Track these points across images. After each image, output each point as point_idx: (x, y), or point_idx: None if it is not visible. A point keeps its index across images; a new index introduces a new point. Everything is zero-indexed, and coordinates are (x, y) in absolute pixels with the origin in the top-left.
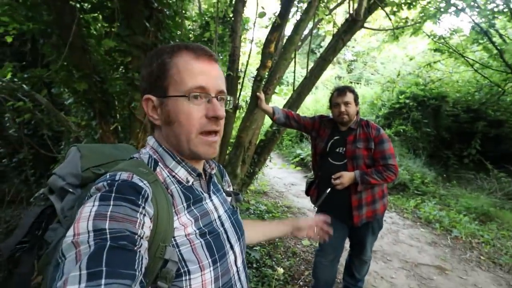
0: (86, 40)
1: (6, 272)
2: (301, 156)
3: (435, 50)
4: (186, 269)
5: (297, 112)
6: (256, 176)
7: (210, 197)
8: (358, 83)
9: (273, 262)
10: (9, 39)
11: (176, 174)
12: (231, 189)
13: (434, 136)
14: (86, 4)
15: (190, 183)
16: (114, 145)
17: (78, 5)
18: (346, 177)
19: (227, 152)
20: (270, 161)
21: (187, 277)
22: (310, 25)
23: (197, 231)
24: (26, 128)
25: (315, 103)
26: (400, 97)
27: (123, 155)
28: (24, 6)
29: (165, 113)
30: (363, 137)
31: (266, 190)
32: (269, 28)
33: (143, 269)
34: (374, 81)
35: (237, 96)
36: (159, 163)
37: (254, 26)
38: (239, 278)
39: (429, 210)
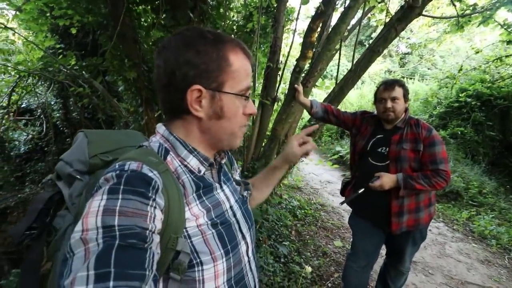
0: (137, 31)
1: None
2: (340, 154)
3: (508, 42)
4: (198, 260)
5: (338, 107)
6: (291, 170)
7: (221, 187)
8: (411, 78)
9: (302, 260)
10: (73, 31)
11: (188, 163)
12: (239, 174)
13: (499, 141)
14: None
15: (202, 173)
16: (123, 131)
17: None
18: (386, 178)
19: (262, 144)
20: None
21: (200, 268)
22: (360, 13)
23: (209, 222)
24: (86, 111)
25: (360, 99)
26: (460, 95)
27: (132, 142)
28: (85, 0)
29: (217, 107)
30: (411, 137)
31: (300, 185)
32: None
33: (154, 267)
34: (431, 77)
35: (276, 88)
36: (170, 152)
37: (298, 15)
38: (250, 268)
39: (484, 224)
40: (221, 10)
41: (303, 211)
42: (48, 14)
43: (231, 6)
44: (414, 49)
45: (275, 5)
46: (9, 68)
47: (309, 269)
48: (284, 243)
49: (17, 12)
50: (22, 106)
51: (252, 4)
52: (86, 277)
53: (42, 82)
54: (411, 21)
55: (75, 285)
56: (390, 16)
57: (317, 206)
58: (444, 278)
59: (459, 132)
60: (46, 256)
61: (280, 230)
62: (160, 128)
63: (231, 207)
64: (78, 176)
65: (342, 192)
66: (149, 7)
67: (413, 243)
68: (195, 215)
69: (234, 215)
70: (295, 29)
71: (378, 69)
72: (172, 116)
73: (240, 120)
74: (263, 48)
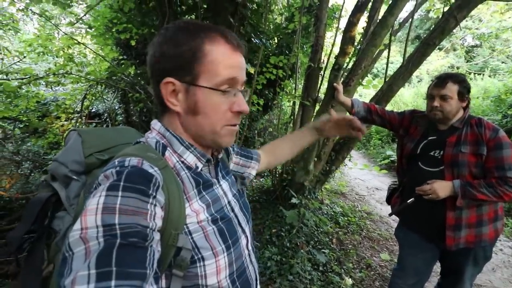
0: None
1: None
2: (391, 158)
3: None
4: (200, 255)
5: (387, 108)
6: (333, 174)
7: (219, 182)
8: (479, 74)
9: (342, 270)
10: (133, 43)
11: (185, 159)
12: (234, 159)
13: None
14: (184, 7)
15: (199, 169)
16: (116, 128)
17: (178, 9)
18: (440, 186)
19: None
20: (349, 160)
21: (202, 264)
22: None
23: (209, 218)
24: (144, 115)
25: (416, 98)
26: None
27: (126, 139)
28: (140, 14)
29: (191, 102)
30: (472, 139)
31: (344, 191)
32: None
33: (155, 265)
34: (505, 71)
35: (318, 88)
36: (168, 148)
37: (341, 10)
38: (251, 261)
39: None
40: (262, 11)
41: (346, 218)
42: (114, 30)
43: (273, 8)
44: (484, 40)
45: (318, 3)
46: (82, 78)
47: (349, 281)
48: (323, 250)
49: (88, 29)
50: (92, 111)
51: (294, 5)
52: (87, 276)
53: (108, 90)
54: (474, 8)
55: (76, 285)
56: (450, 4)
57: (363, 214)
58: None
59: None
60: (48, 258)
61: (319, 236)
62: (156, 124)
63: (229, 202)
64: (74, 177)
65: (388, 199)
66: (193, 15)
67: (474, 263)
68: (195, 211)
69: (232, 210)
70: (337, 25)
71: (439, 65)
72: (160, 110)
73: (222, 117)
74: (305, 48)
